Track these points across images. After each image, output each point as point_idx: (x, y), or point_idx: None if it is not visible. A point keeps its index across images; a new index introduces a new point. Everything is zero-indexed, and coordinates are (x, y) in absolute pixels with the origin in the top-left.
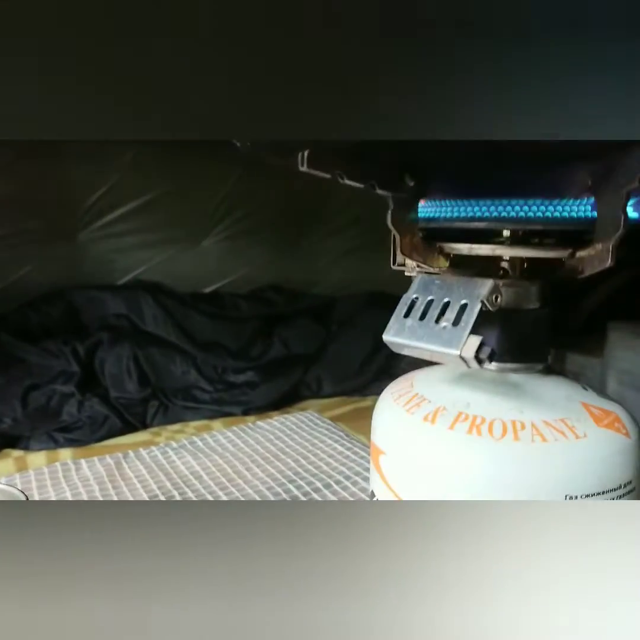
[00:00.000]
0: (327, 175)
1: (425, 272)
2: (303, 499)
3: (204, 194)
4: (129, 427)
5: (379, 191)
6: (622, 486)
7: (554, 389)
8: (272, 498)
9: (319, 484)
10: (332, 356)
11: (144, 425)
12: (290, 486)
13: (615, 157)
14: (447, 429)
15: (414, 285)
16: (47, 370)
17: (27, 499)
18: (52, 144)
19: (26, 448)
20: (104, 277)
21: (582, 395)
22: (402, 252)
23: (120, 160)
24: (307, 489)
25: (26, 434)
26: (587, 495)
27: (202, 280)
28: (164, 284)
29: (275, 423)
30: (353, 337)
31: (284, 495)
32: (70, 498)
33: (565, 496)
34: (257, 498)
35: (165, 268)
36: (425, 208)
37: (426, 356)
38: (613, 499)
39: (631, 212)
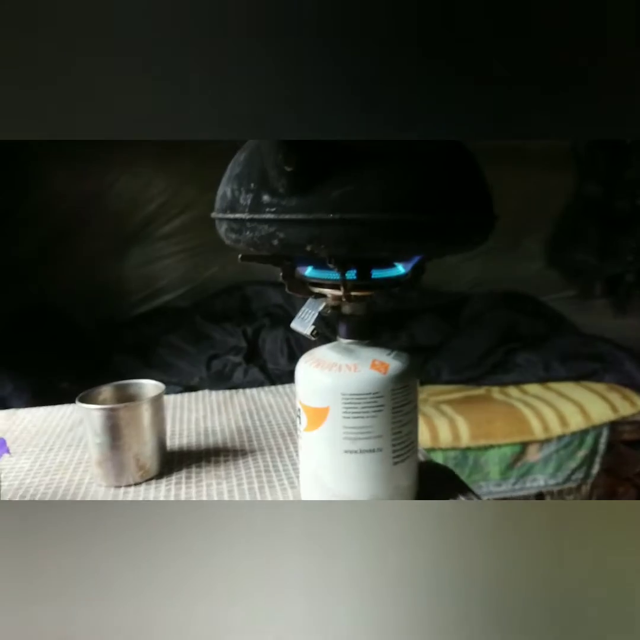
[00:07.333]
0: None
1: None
2: None
3: None
4: None
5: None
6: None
7: (369, 352)
8: None
9: None
10: (454, 348)
11: None
12: None
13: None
14: (311, 367)
15: (306, 303)
16: (224, 345)
17: None
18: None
19: None
20: (270, 275)
21: (380, 355)
22: (290, 290)
23: None
24: None
25: (208, 390)
26: (353, 394)
27: None
28: None
29: None
30: (477, 333)
31: None
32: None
33: (339, 394)
34: None
35: None
36: (302, 270)
37: (304, 334)
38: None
39: (400, 269)
